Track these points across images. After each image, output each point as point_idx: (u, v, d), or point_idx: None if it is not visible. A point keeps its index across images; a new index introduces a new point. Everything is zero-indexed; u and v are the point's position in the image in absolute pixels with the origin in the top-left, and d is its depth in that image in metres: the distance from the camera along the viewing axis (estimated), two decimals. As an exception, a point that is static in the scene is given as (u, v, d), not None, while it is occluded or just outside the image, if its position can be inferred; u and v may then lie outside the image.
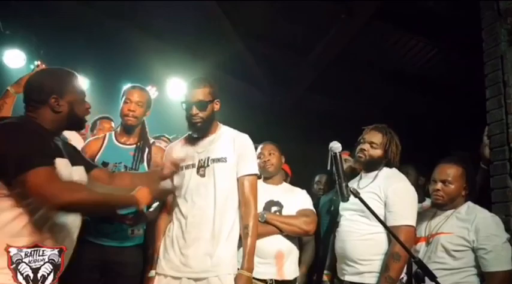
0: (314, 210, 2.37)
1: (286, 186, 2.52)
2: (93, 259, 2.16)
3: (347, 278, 2.10)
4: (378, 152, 2.18)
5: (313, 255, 2.77)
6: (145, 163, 2.32)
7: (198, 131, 2.03)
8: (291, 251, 2.26)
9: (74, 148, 1.80)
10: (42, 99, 1.54)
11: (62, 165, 1.49)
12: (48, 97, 1.54)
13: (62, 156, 1.52)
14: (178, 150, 2.09)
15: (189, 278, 1.87)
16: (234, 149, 2.00)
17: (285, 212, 2.30)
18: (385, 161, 2.19)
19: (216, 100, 2.04)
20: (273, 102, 5.35)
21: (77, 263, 2.14)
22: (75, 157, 1.70)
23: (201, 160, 2.00)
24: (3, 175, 1.37)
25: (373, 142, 2.19)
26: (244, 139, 2.06)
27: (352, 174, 2.56)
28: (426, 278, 1.57)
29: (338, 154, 1.74)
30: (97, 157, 2.33)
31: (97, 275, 2.20)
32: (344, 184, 1.68)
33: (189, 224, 1.94)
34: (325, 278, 2.38)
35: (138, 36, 4.57)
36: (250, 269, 1.87)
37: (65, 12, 4.13)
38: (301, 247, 2.55)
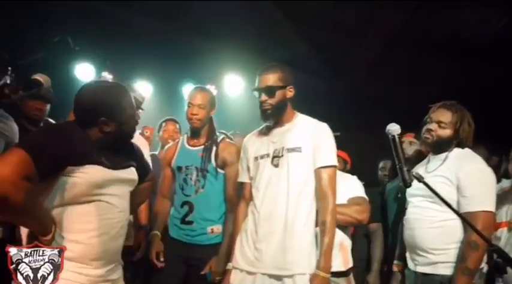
0: (366, 198, 2.23)
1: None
2: (178, 254, 2.34)
3: (419, 269, 1.99)
4: (447, 132, 2.02)
5: (382, 248, 2.69)
6: (213, 161, 2.38)
7: (268, 118, 1.97)
8: (343, 242, 2.14)
9: (135, 151, 1.82)
10: (91, 120, 1.53)
11: (94, 171, 1.48)
12: (97, 119, 1.52)
13: (97, 163, 1.50)
14: (253, 140, 2.07)
15: (263, 274, 1.82)
16: (310, 139, 1.89)
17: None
18: (456, 141, 2.02)
19: (289, 87, 1.95)
20: (331, 89, 5.25)
21: (165, 257, 2.39)
22: (130, 159, 1.71)
23: (276, 149, 1.93)
24: None
25: (441, 121, 2.03)
26: (323, 129, 1.94)
27: (420, 157, 2.42)
28: (509, 269, 1.41)
29: (396, 136, 1.62)
30: (172, 162, 2.47)
31: (182, 269, 2.35)
32: (405, 169, 1.56)
33: (262, 217, 1.88)
34: (395, 269, 2.29)
35: (194, 37, 4.69)
36: (327, 269, 1.76)
37: (125, 23, 4.35)
38: (368, 239, 2.50)
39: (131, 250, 2.51)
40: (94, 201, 1.50)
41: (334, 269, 2.02)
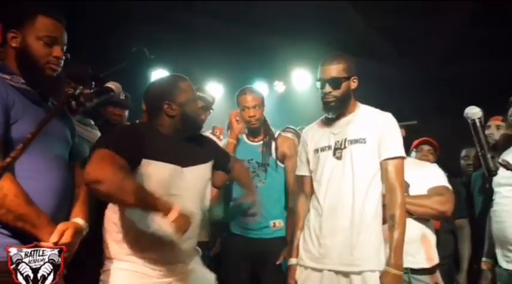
0: (449, 187, 2.04)
1: (411, 161, 2.20)
2: (241, 249, 2.41)
3: (512, 266, 1.81)
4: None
5: (470, 245, 2.50)
6: (273, 155, 2.46)
7: (331, 111, 1.88)
8: (426, 236, 1.99)
9: (210, 144, 1.91)
10: (157, 106, 1.67)
11: (158, 167, 1.56)
12: (162, 104, 1.66)
13: (165, 161, 1.57)
14: (313, 132, 2.01)
15: (329, 271, 1.76)
16: (375, 129, 1.81)
17: (412, 191, 2.03)
18: None
19: (353, 78, 1.86)
20: (404, 76, 4.98)
21: (228, 253, 2.49)
22: (207, 154, 1.79)
23: (338, 141, 1.86)
24: None
25: None
26: (387, 118, 1.85)
27: (509, 142, 2.22)
28: None
29: (477, 120, 1.47)
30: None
31: (246, 264, 2.42)
32: (489, 156, 1.41)
33: (326, 211, 1.81)
34: (484, 266, 2.12)
35: (261, 35, 4.73)
36: (399, 266, 1.66)
37: (194, 27, 4.52)
38: (454, 234, 2.34)
39: (207, 245, 2.62)
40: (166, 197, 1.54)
41: (416, 266, 1.94)
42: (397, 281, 1.65)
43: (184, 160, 1.65)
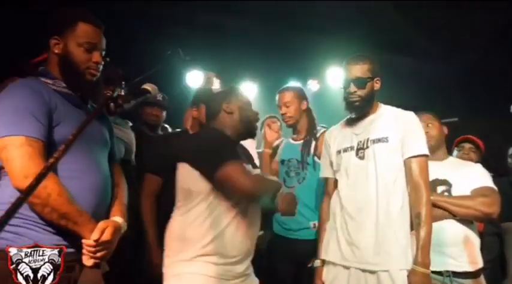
0: (495, 188, 1.97)
1: (453, 160, 2.17)
2: (284, 250, 2.41)
3: None
4: None
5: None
6: (312, 154, 2.44)
7: (355, 110, 1.91)
8: (469, 238, 1.93)
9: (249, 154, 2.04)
10: (217, 107, 1.80)
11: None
12: (220, 106, 1.80)
13: (245, 163, 1.74)
14: (336, 133, 2.02)
15: (356, 269, 1.76)
16: (397, 128, 1.82)
17: (455, 192, 1.98)
18: None
19: (376, 79, 1.89)
20: (445, 72, 4.80)
21: (272, 253, 2.49)
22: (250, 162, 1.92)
23: (360, 141, 1.87)
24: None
25: None
26: (409, 117, 1.85)
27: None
28: None
29: None
30: (277, 157, 2.61)
31: (289, 265, 2.41)
32: None
33: (351, 211, 1.82)
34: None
35: (295, 34, 4.70)
36: (426, 264, 1.66)
37: (227, 27, 4.56)
38: (499, 238, 2.22)
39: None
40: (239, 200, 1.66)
41: (459, 269, 1.88)
42: (425, 280, 1.64)
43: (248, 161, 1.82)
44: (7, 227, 1.24)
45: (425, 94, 4.25)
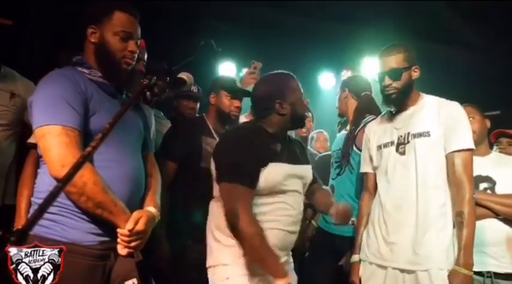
0: None
1: (496, 156, 2.07)
2: (326, 244, 2.40)
3: None
4: None
5: None
6: (355, 146, 2.36)
7: (393, 103, 1.84)
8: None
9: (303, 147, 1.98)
10: (269, 106, 1.70)
11: (276, 169, 1.61)
12: (273, 103, 1.70)
13: (278, 160, 1.63)
14: (375, 128, 1.95)
15: (394, 268, 1.71)
16: (439, 121, 1.73)
17: (498, 189, 1.90)
18: None
19: (414, 67, 1.80)
20: (488, 62, 4.56)
21: (314, 246, 2.50)
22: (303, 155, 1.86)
23: (401, 136, 1.80)
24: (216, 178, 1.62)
25: None
26: (453, 108, 1.75)
27: None
28: None
29: None
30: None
31: (330, 259, 2.36)
32: None
33: (390, 208, 1.77)
34: None
35: (328, 24, 4.61)
36: (469, 265, 1.60)
37: (260, 19, 4.52)
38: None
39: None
40: (275, 195, 1.61)
41: (500, 270, 1.82)
42: (467, 282, 1.58)
43: (292, 158, 1.70)
44: (45, 215, 1.25)
45: (465, 85, 4.06)
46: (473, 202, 1.66)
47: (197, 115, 2.75)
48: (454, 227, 1.70)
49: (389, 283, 1.72)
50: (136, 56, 1.56)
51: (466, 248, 1.61)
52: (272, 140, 1.69)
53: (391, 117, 1.89)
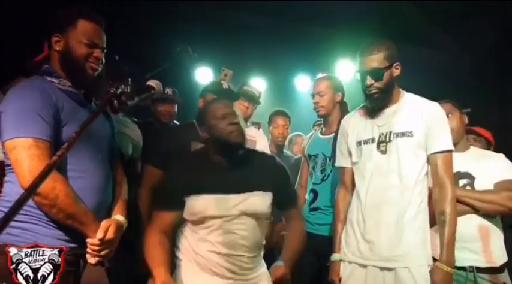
0: None
1: (475, 151, 2.06)
2: (310, 246, 2.33)
3: None
4: None
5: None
6: None
7: (375, 103, 1.80)
8: (492, 233, 1.86)
9: None
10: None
11: (196, 200, 1.62)
12: (200, 129, 1.73)
13: (201, 192, 1.62)
14: (355, 122, 1.91)
15: (374, 267, 1.71)
16: (422, 121, 1.72)
17: (478, 185, 1.90)
18: None
19: (395, 65, 1.76)
20: (459, 62, 4.69)
21: None
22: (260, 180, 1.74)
23: (382, 134, 1.78)
24: None
25: None
26: (435, 109, 1.76)
27: None
28: None
29: None
30: (304, 151, 2.56)
31: (311, 260, 2.33)
32: None
33: (369, 206, 1.75)
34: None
35: (302, 27, 4.65)
36: (451, 262, 1.62)
37: (235, 23, 4.52)
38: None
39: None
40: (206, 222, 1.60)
41: (482, 264, 1.83)
42: (448, 279, 1.61)
43: (230, 186, 1.62)
44: (14, 224, 1.28)
45: (437, 84, 4.16)
46: (455, 202, 1.69)
47: (188, 121, 2.71)
48: (432, 225, 1.74)
49: (370, 282, 1.72)
50: (101, 62, 1.55)
51: (448, 246, 1.63)
52: (207, 167, 1.66)
53: (372, 113, 1.85)
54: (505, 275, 1.87)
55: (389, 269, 1.68)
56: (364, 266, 1.74)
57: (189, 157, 1.84)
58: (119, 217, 1.55)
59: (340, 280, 1.83)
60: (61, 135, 1.42)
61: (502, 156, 2.00)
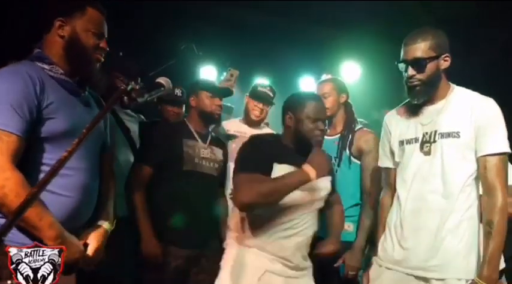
0: None
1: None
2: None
3: None
4: None
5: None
6: (347, 150, 2.32)
7: (417, 96, 1.65)
8: None
9: None
10: (283, 115, 1.88)
11: (282, 169, 1.71)
12: (285, 114, 1.87)
13: (283, 162, 1.73)
14: (397, 120, 1.77)
15: (408, 275, 1.61)
16: (471, 120, 1.57)
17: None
18: None
19: (443, 56, 1.62)
20: (465, 64, 4.67)
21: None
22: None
23: (426, 134, 1.64)
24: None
25: None
26: (488, 106, 1.58)
27: None
28: None
29: None
30: None
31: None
32: None
33: (409, 211, 1.64)
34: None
35: (308, 28, 4.64)
36: (492, 280, 1.48)
37: (241, 22, 4.51)
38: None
39: None
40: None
41: None
42: None
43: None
44: None
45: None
46: (505, 211, 1.54)
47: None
48: (478, 235, 1.62)
49: None
50: (105, 53, 1.52)
51: (491, 260, 1.49)
52: (281, 148, 1.82)
53: (416, 109, 1.71)
54: (502, 281, 1.83)
55: (425, 280, 1.58)
56: (397, 272, 1.65)
57: (261, 138, 1.93)
58: (103, 223, 1.53)
59: (368, 280, 1.77)
60: (47, 126, 1.35)
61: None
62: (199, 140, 2.32)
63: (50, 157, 1.35)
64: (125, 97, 1.22)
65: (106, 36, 1.51)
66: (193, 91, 2.41)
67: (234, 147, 2.68)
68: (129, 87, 1.15)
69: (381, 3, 4.05)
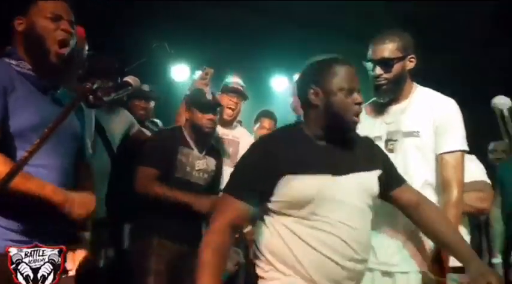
0: (489, 181, 1.94)
1: None
2: None
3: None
4: None
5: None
6: None
7: (383, 95, 1.68)
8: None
9: None
10: (303, 94, 1.40)
11: (303, 180, 1.30)
12: (307, 91, 1.37)
13: (304, 172, 1.30)
14: (364, 119, 1.68)
15: (377, 270, 1.62)
16: (431, 119, 1.61)
17: None
18: None
19: (409, 57, 1.67)
20: (429, 65, 4.80)
21: None
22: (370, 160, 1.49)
23: (390, 132, 1.67)
24: None
25: None
26: (447, 106, 1.63)
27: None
28: None
29: (505, 111, 1.41)
30: None
31: None
32: None
33: None
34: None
35: (280, 27, 4.67)
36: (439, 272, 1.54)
37: (213, 21, 4.50)
38: (479, 230, 2.23)
39: None
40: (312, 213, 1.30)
41: (452, 263, 1.73)
42: None
43: (339, 166, 1.34)
44: None
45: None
46: (460, 206, 1.59)
47: (175, 125, 2.67)
48: None
49: None
50: (72, 37, 1.44)
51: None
52: (306, 145, 1.37)
53: (382, 108, 1.74)
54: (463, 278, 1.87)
55: (389, 274, 1.61)
56: (371, 270, 1.59)
57: (276, 134, 1.57)
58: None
59: None
60: (14, 121, 1.32)
61: (473, 157, 2.03)
62: (194, 149, 2.37)
63: (19, 154, 1.31)
64: (90, 96, 1.18)
65: (71, 18, 1.45)
66: (186, 106, 2.43)
67: (232, 151, 2.75)
68: (95, 86, 1.13)
69: (351, 3, 4.13)
